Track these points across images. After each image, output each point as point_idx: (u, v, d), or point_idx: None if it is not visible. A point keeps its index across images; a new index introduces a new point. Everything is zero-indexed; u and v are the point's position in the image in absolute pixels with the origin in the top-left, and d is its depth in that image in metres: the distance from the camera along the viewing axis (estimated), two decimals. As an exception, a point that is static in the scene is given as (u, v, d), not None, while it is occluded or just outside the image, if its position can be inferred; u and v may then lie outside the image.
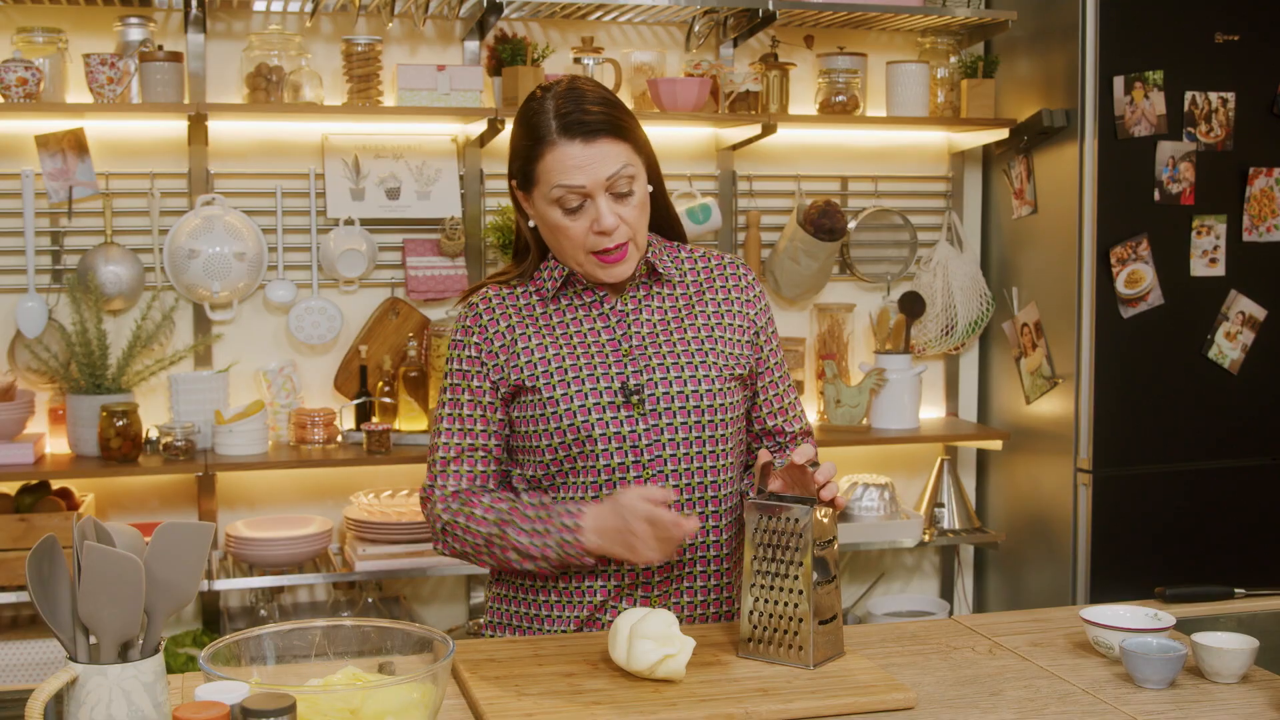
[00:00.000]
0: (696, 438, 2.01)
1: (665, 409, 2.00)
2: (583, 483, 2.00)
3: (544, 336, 2.03)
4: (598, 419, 1.98)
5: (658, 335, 2.05)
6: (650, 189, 2.03)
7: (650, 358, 2.02)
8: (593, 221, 1.95)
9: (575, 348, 2.02)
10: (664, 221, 2.13)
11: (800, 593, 1.85)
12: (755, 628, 1.88)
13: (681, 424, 2.00)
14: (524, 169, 2.00)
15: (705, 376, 2.03)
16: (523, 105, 2.02)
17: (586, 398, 1.98)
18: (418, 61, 3.74)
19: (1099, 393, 3.70)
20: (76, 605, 1.41)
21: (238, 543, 3.47)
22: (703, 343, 2.06)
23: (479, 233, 3.80)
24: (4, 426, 3.36)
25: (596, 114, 1.94)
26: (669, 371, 2.02)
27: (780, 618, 1.86)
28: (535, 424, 2.01)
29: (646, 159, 2.02)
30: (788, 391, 2.19)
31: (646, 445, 1.99)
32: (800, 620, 1.85)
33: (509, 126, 3.55)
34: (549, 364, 2.01)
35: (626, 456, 1.99)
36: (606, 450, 1.98)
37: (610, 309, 2.06)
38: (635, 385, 2.00)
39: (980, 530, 4.10)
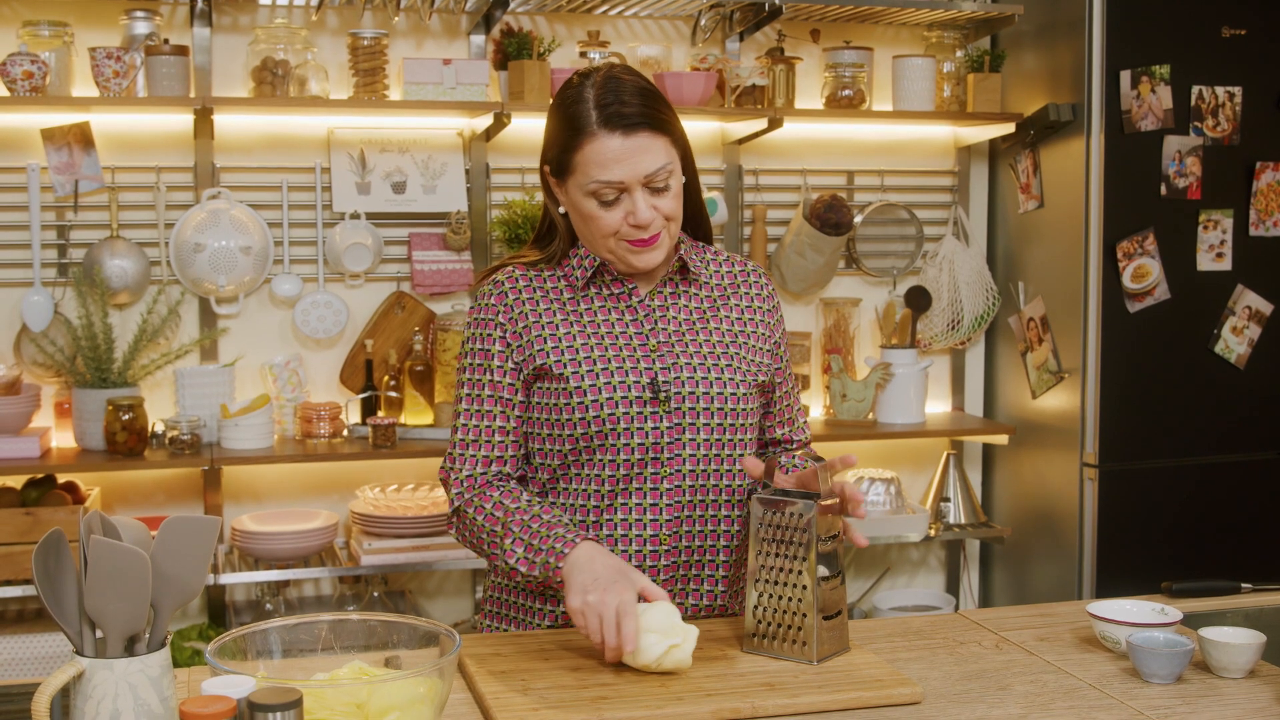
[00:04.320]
0: (717, 439, 2.01)
1: (690, 408, 1.99)
2: (597, 475, 1.99)
3: (571, 324, 2.01)
4: (624, 413, 1.96)
5: (684, 333, 2.04)
6: (684, 179, 2.01)
7: (677, 355, 2.01)
8: (628, 214, 1.94)
9: (603, 338, 2.01)
10: (695, 217, 2.11)
11: (805, 588, 1.84)
12: (760, 623, 1.88)
13: (704, 424, 2.00)
14: (560, 158, 1.97)
15: (730, 380, 2.02)
16: (559, 92, 2.00)
17: (615, 390, 1.97)
18: (424, 55, 3.74)
19: (1105, 387, 3.70)
20: (83, 599, 1.41)
21: (243, 537, 3.47)
22: (728, 346, 2.05)
23: (485, 227, 3.80)
24: (10, 420, 3.36)
25: (636, 106, 1.92)
26: (695, 371, 2.00)
27: (785, 613, 1.86)
28: (557, 412, 1.99)
29: (682, 151, 2.01)
30: (795, 402, 2.21)
31: (668, 443, 1.98)
32: (805, 615, 1.84)
33: (515, 120, 3.57)
34: (576, 352, 1.99)
35: (646, 453, 1.98)
36: (628, 445, 1.97)
37: (639, 303, 2.04)
38: (664, 381, 1.99)
39: (986, 525, 4.10)
